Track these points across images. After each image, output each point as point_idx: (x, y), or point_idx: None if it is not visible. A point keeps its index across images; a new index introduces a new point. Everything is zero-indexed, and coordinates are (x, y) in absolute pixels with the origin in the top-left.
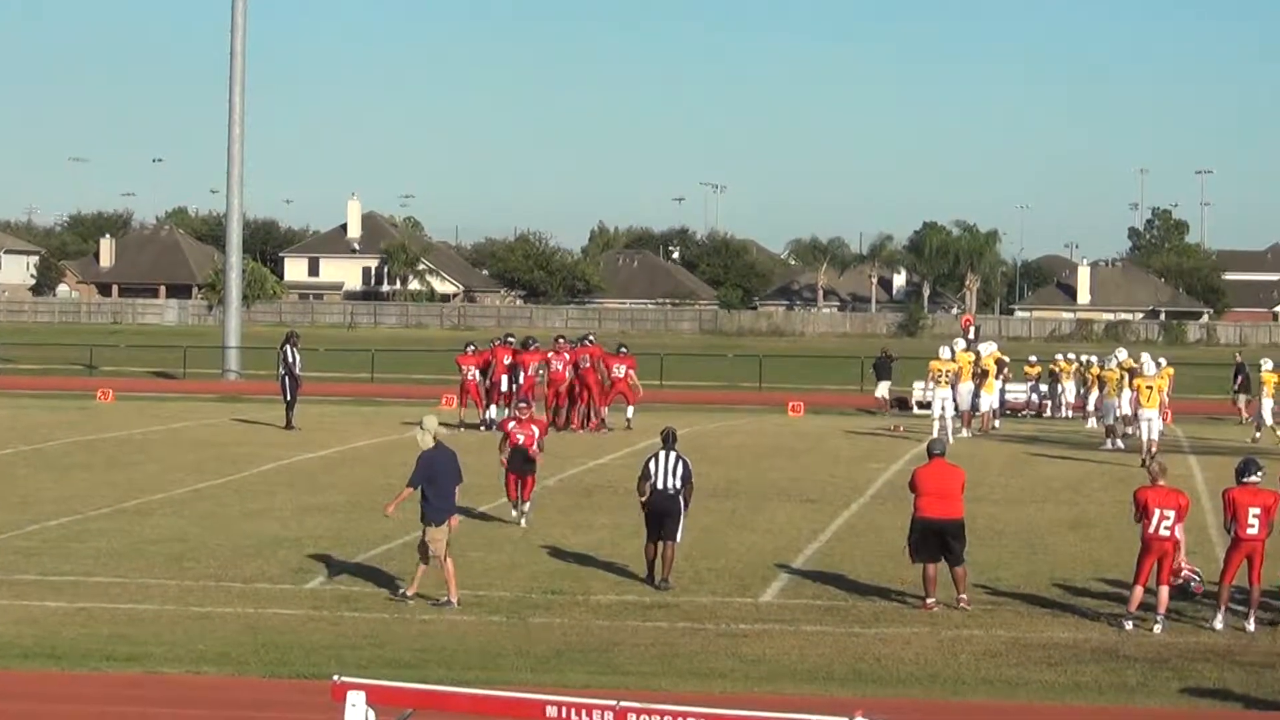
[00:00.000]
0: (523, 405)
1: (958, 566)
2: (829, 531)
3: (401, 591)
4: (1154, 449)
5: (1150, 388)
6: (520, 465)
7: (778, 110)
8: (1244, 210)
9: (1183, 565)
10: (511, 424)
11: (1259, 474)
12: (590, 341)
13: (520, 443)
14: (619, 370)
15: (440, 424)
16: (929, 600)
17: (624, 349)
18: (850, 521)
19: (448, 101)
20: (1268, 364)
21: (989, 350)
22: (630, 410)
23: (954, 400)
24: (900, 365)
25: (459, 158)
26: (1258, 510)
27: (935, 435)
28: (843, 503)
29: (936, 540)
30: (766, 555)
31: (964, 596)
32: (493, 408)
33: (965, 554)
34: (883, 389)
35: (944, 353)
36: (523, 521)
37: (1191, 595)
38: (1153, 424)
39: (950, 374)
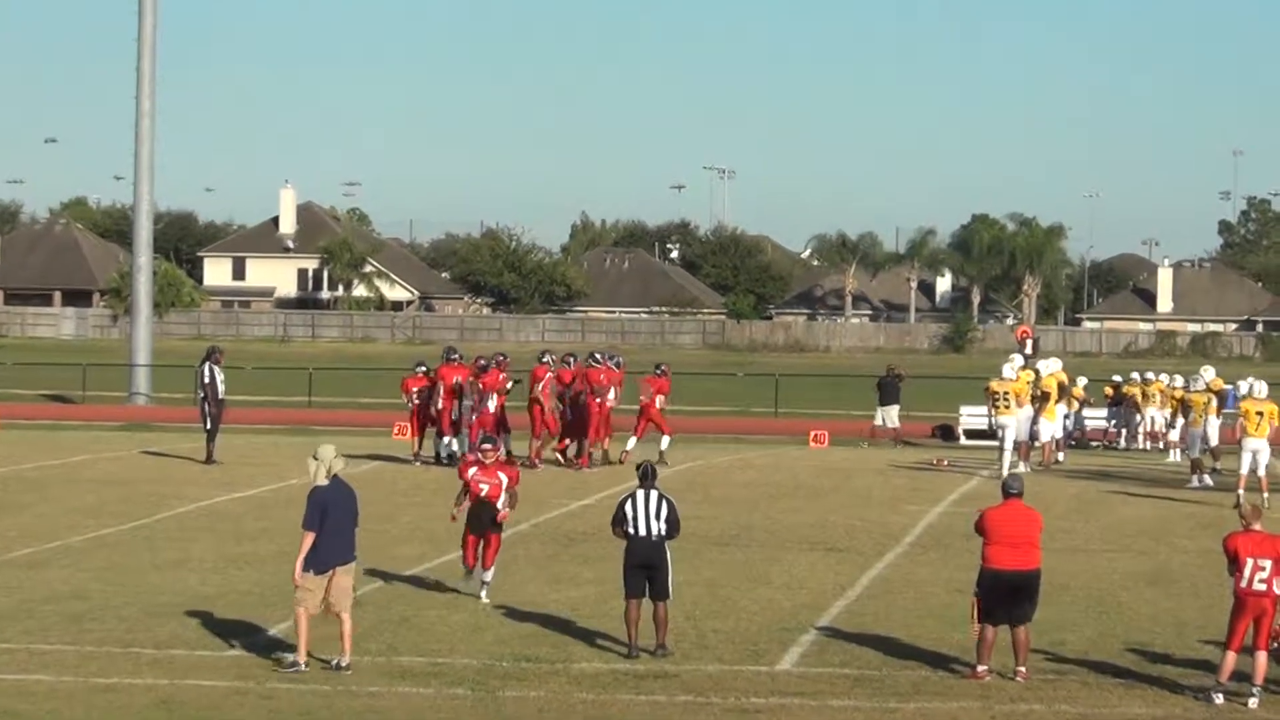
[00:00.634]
0: (487, 446)
1: (1021, 628)
2: (859, 587)
3: (335, 660)
4: (1264, 487)
5: (1260, 413)
6: (482, 523)
7: (796, 81)
8: None
9: None
10: (473, 470)
11: None
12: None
13: (484, 494)
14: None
15: (338, 456)
16: (980, 668)
17: (662, 369)
18: (884, 574)
19: (400, 72)
20: None
21: (1051, 369)
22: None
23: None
24: (931, 386)
25: (414, 138)
26: None
27: (1007, 471)
28: (875, 552)
29: (1008, 597)
30: (784, 615)
31: (1023, 668)
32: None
33: (1033, 614)
34: (890, 415)
35: (1007, 371)
36: (483, 595)
37: None
38: (1260, 455)
39: (1015, 396)
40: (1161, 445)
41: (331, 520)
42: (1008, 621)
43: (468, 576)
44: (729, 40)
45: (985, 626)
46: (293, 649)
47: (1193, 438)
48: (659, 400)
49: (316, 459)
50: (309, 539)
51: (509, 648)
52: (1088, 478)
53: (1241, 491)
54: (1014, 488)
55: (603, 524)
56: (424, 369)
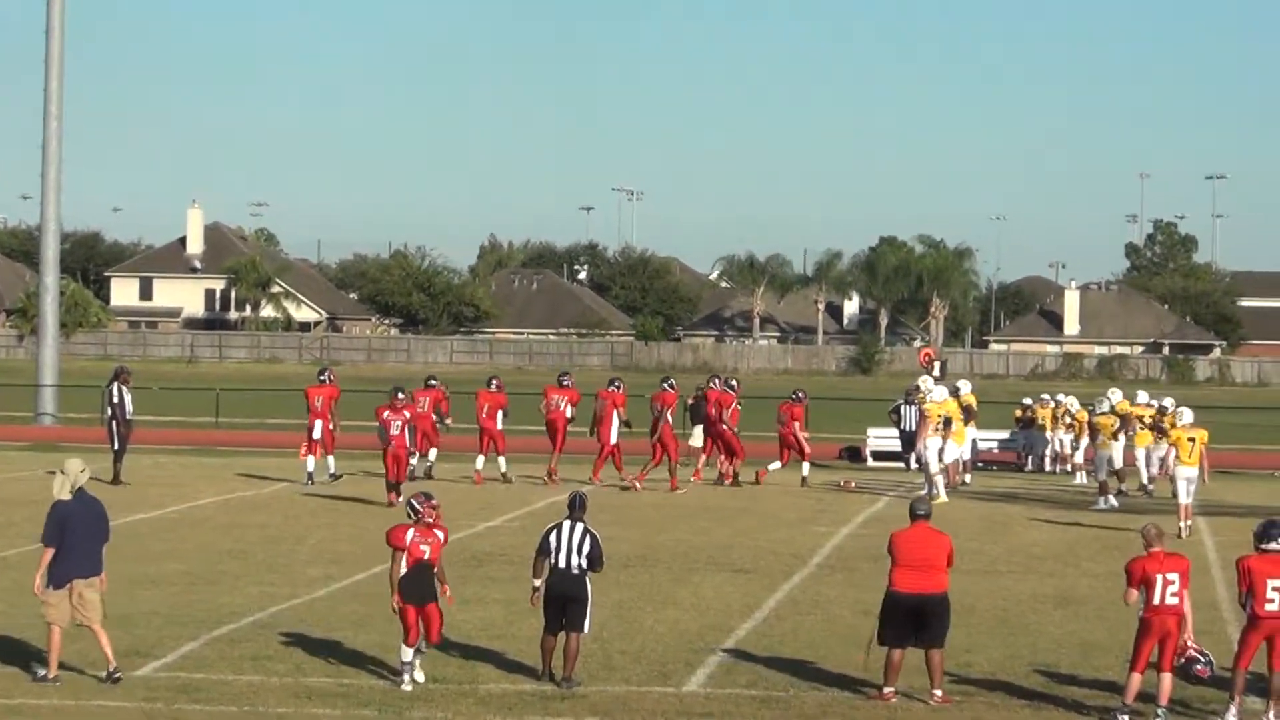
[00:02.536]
0: (424, 498)
1: (935, 650)
2: (766, 608)
3: (106, 672)
4: (1187, 515)
5: (1192, 440)
6: (422, 590)
7: (705, 102)
8: (1264, 224)
9: (1188, 644)
10: (411, 533)
11: None
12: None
13: (425, 557)
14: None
15: (84, 470)
16: (888, 690)
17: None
18: (792, 595)
19: (308, 92)
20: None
21: (964, 390)
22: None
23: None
24: (838, 408)
25: (321, 159)
26: (1279, 582)
27: (943, 493)
28: (782, 573)
29: (912, 619)
30: (691, 636)
31: (939, 691)
32: (311, 459)
33: (945, 638)
34: (698, 436)
35: (938, 393)
36: (418, 676)
37: (1196, 678)
38: (1191, 485)
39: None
40: (1069, 468)
41: (73, 535)
42: (917, 644)
43: (405, 667)
44: (638, 62)
45: (893, 649)
46: (204, 670)
47: (1099, 460)
48: (795, 426)
49: (63, 473)
50: (48, 554)
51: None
52: (995, 500)
53: (1184, 524)
54: (921, 510)
55: (510, 545)
56: (328, 376)
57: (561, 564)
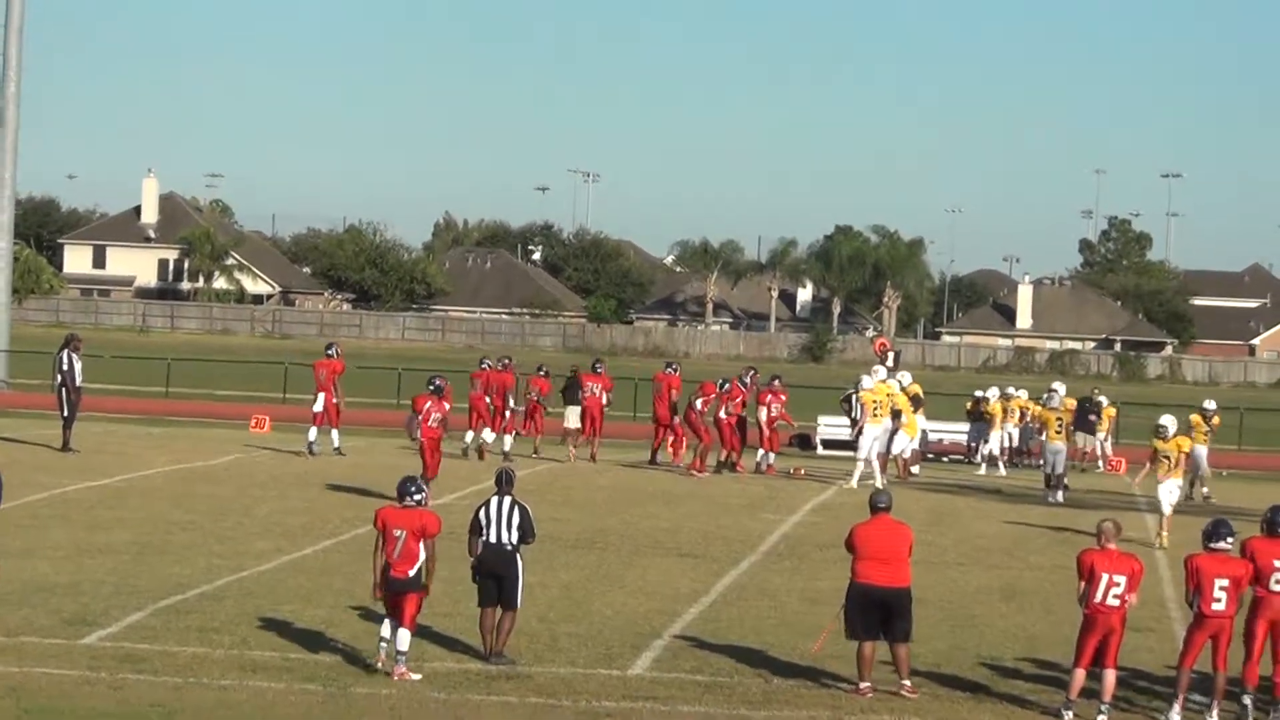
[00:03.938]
0: (420, 494)
1: (900, 645)
2: (713, 593)
3: None
4: (1168, 525)
5: (1168, 458)
6: (402, 582)
7: (664, 86)
8: (1218, 223)
9: None
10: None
11: (1230, 540)
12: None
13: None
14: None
15: None
16: (863, 685)
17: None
18: (739, 581)
19: (266, 64)
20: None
21: (907, 381)
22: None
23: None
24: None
25: (278, 131)
26: (1225, 582)
27: (857, 481)
28: (730, 559)
29: (878, 612)
30: (638, 620)
31: (907, 683)
32: (314, 429)
33: (911, 630)
34: (572, 416)
35: (867, 382)
36: (400, 661)
37: None
38: (1175, 495)
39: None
40: (1017, 461)
41: None
42: (884, 638)
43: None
44: (596, 43)
45: (863, 643)
46: (149, 640)
47: (1048, 453)
48: (775, 410)
49: None
50: None
51: (363, 645)
52: (943, 491)
53: (1164, 533)
54: (882, 502)
55: (458, 524)
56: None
57: (493, 539)
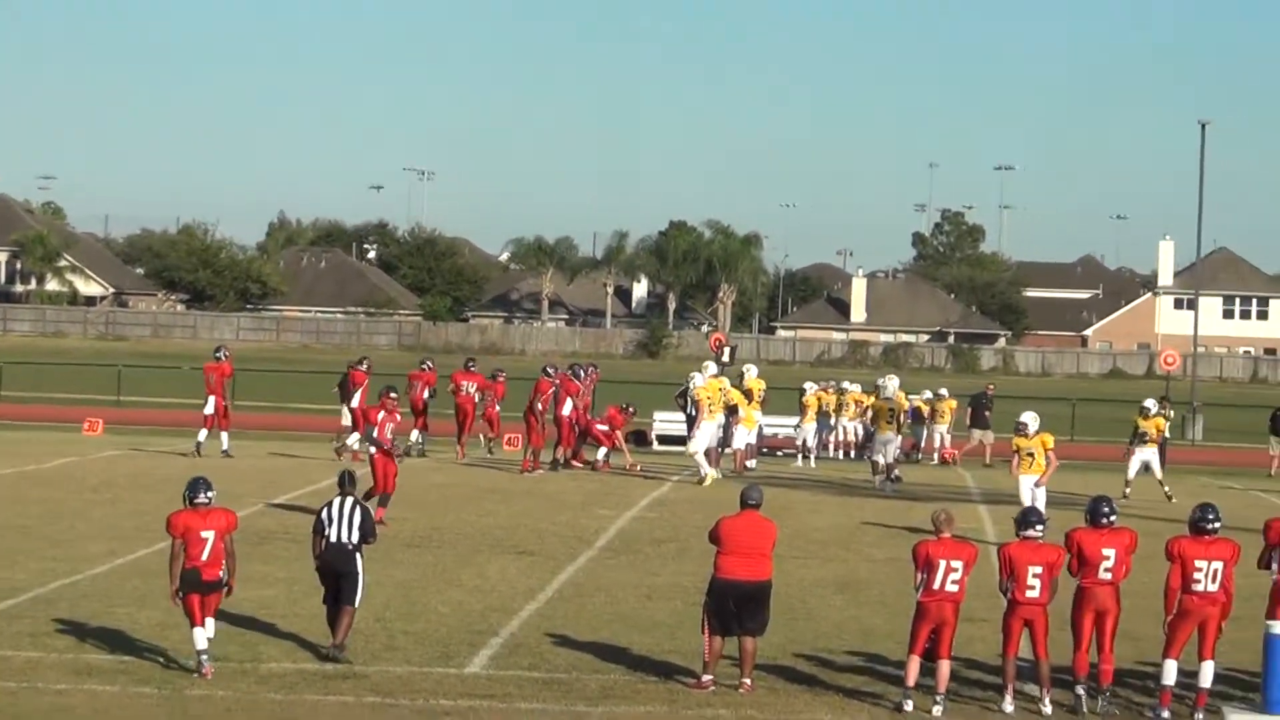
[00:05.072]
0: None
1: (750, 639)
2: (550, 590)
3: None
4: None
5: (1031, 455)
6: (215, 584)
7: (498, 83)
8: (1050, 215)
9: None
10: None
11: (1040, 527)
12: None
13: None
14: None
15: None
16: (705, 678)
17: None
18: (575, 578)
19: (96, 64)
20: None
21: (752, 375)
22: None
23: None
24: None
25: (110, 133)
26: (1039, 569)
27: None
28: (567, 556)
29: (738, 607)
30: (474, 617)
31: (748, 680)
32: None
33: (765, 627)
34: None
35: (699, 379)
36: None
37: None
38: (1038, 495)
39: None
40: (854, 454)
41: None
42: (739, 632)
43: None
44: (429, 41)
45: (714, 637)
46: None
47: (878, 444)
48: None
49: None
50: None
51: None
52: (778, 485)
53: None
54: (753, 498)
55: (293, 523)
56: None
57: (334, 538)
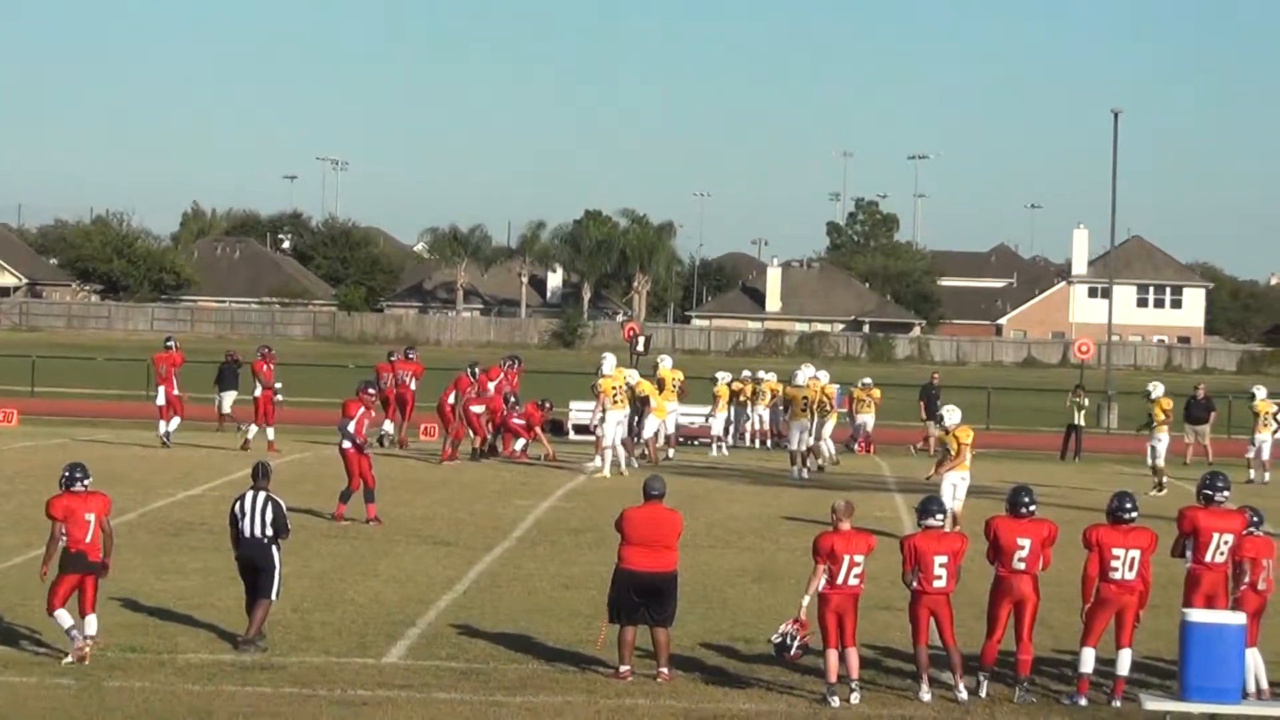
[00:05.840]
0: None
1: (661, 629)
2: (467, 580)
3: None
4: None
5: (965, 444)
6: (85, 560)
7: (410, 70)
8: (964, 204)
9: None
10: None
11: (940, 516)
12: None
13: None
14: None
15: None
16: (624, 668)
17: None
18: (492, 568)
19: (7, 54)
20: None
21: (668, 365)
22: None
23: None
24: (541, 381)
25: (22, 122)
26: (945, 559)
27: (609, 468)
28: (483, 546)
29: (642, 597)
30: (392, 608)
31: (665, 669)
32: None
33: (673, 617)
34: (227, 401)
35: (607, 366)
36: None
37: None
38: (959, 488)
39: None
40: (769, 444)
41: None
42: (647, 622)
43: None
44: (341, 30)
45: (625, 628)
46: None
47: (793, 430)
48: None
49: None
50: None
51: (115, 638)
52: (695, 474)
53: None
54: (655, 489)
55: (211, 515)
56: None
57: (247, 532)
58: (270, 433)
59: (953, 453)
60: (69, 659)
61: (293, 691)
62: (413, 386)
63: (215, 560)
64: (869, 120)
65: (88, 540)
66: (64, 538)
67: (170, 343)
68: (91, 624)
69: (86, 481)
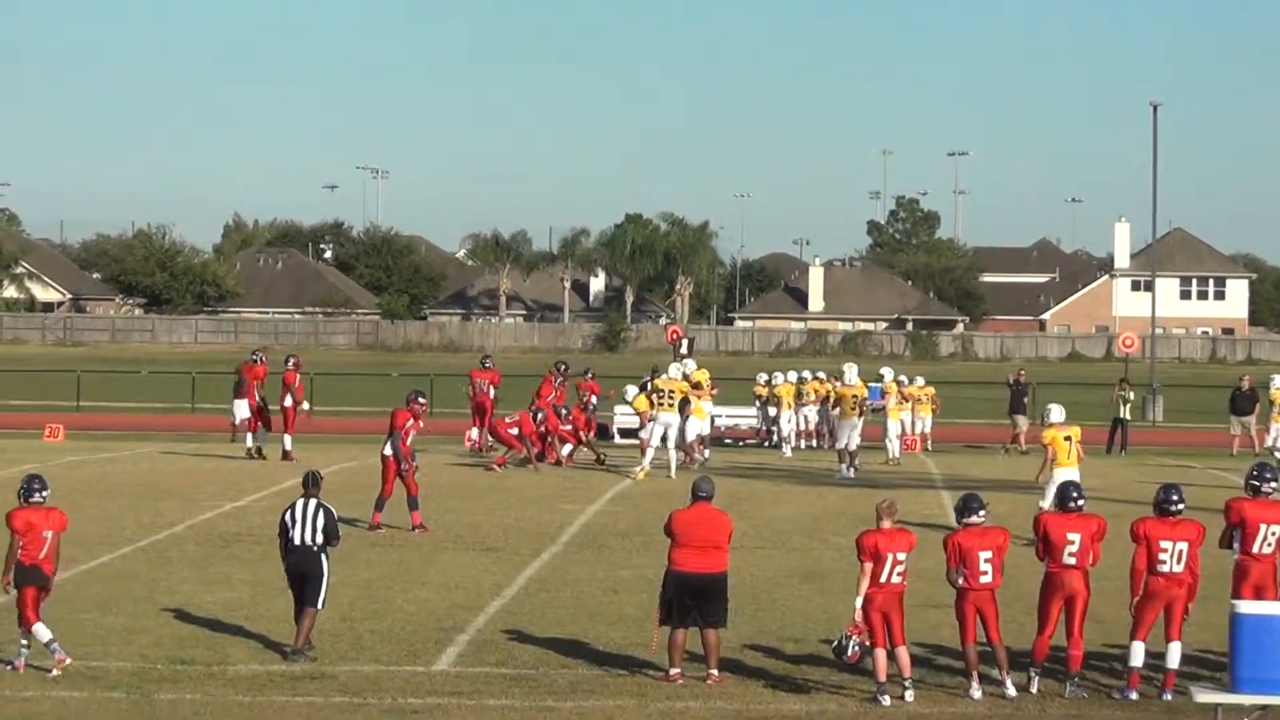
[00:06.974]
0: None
1: (712, 630)
2: (515, 586)
3: None
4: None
5: (1069, 438)
6: (44, 574)
7: (450, 78)
8: (1005, 200)
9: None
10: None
11: (982, 513)
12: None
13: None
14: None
15: None
16: (674, 671)
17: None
18: (540, 574)
19: (50, 71)
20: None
21: (691, 369)
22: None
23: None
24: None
25: (64, 139)
26: (990, 554)
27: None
28: (531, 551)
29: (693, 599)
30: (440, 615)
31: (715, 671)
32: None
33: (726, 618)
34: (241, 408)
35: (674, 370)
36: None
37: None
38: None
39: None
40: (815, 443)
41: None
42: (698, 624)
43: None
44: (380, 40)
45: (675, 630)
46: None
47: (841, 429)
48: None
49: None
50: None
51: (165, 650)
52: (740, 475)
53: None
54: (704, 490)
55: (259, 525)
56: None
57: (298, 541)
58: (288, 441)
59: (1061, 451)
60: (55, 672)
61: (343, 700)
62: (492, 395)
63: (263, 571)
64: (908, 118)
65: (42, 555)
66: (20, 550)
67: (256, 355)
68: (43, 632)
69: (45, 494)
